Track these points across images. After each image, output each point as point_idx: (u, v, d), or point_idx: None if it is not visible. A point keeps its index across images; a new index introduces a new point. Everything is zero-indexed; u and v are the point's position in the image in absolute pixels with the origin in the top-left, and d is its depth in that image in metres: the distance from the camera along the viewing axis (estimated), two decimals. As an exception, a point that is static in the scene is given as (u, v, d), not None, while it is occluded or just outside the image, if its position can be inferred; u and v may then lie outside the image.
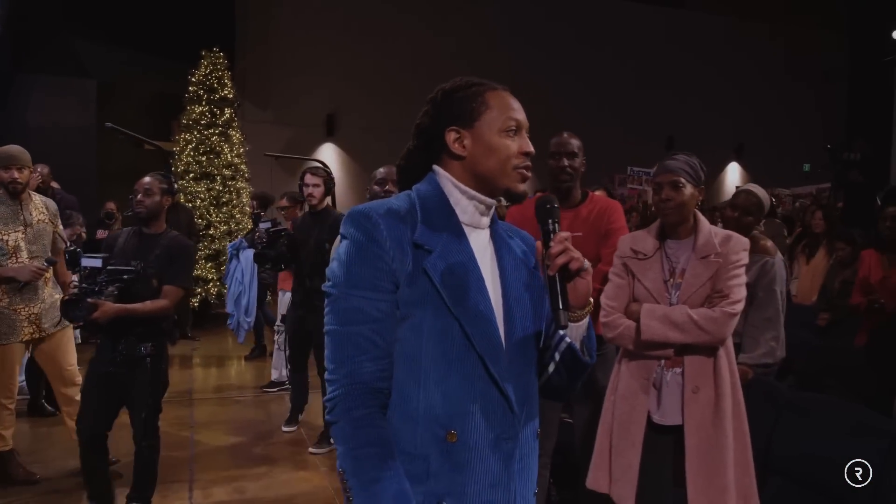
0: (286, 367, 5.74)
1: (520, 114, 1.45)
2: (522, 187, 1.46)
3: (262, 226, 4.85)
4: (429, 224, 1.38)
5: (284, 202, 5.49)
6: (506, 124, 1.42)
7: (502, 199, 1.48)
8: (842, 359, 4.01)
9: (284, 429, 4.86)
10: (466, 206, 1.44)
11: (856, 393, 2.99)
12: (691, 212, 2.46)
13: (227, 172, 8.87)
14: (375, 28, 12.49)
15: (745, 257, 2.42)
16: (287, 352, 5.53)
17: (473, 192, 1.44)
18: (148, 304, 3.11)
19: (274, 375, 5.92)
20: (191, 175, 8.71)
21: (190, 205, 8.46)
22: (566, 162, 2.99)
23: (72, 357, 3.92)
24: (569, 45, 13.57)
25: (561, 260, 1.34)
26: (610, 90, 13.73)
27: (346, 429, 1.29)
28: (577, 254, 1.35)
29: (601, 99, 13.65)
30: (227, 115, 9.00)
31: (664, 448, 2.40)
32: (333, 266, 1.36)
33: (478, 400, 1.35)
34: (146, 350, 3.16)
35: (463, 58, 12.82)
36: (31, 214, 3.70)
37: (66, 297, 3.04)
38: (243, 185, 9.05)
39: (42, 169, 5.85)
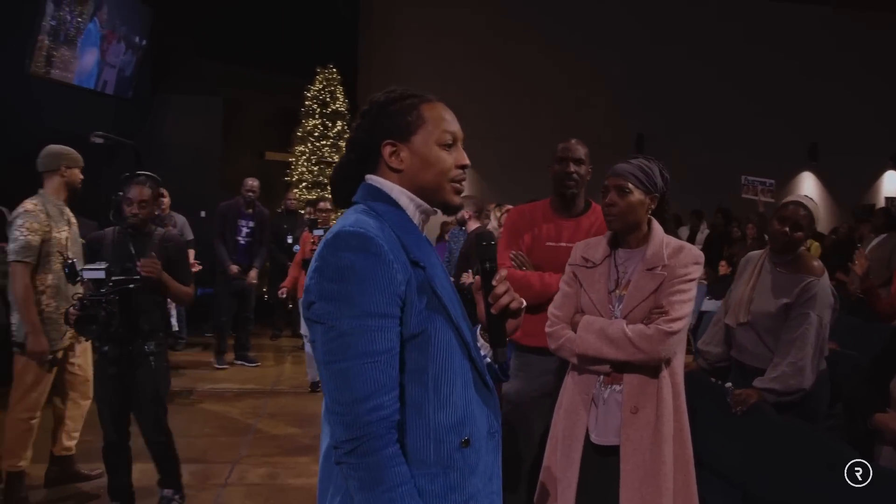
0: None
1: (454, 125, 1.46)
2: (458, 200, 1.47)
3: (317, 232, 5.19)
4: (408, 240, 1.37)
5: (325, 205, 5.76)
6: (442, 138, 1.43)
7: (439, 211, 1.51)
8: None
9: None
10: (414, 215, 1.44)
11: None
12: (641, 220, 2.33)
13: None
14: (495, 48, 12.55)
15: (694, 271, 2.26)
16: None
17: (423, 204, 1.45)
18: (182, 287, 3.34)
19: (310, 375, 6.08)
20: (303, 184, 9.35)
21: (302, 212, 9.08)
22: (573, 168, 2.92)
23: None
24: (698, 44, 12.94)
25: (505, 301, 1.41)
26: (743, 98, 12.93)
27: (376, 471, 1.23)
28: (516, 295, 1.43)
29: (734, 108, 12.87)
30: (339, 127, 9.57)
31: (607, 469, 2.25)
32: (329, 291, 1.27)
33: (474, 401, 1.40)
34: (150, 348, 3.29)
35: (589, 78, 12.64)
36: (70, 216, 3.77)
37: (78, 314, 3.08)
38: (352, 193, 9.56)
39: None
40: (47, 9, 6.89)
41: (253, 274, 6.74)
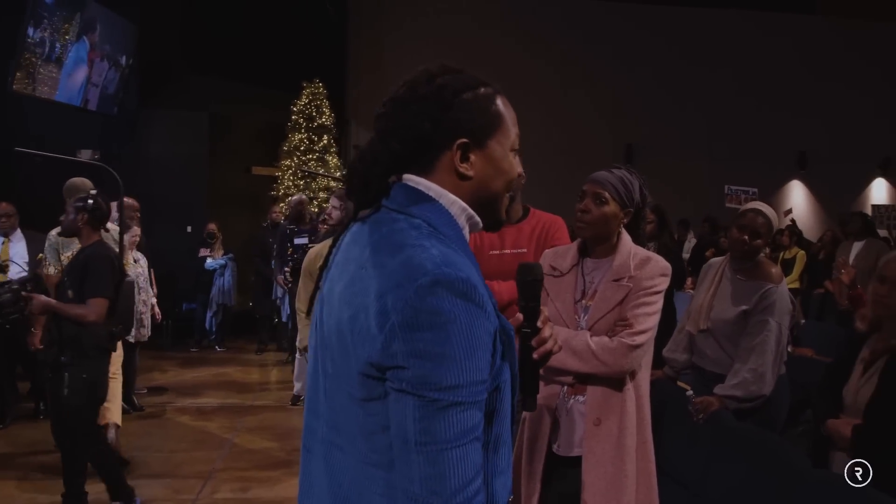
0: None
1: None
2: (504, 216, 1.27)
3: (298, 241, 5.21)
4: (477, 272, 1.10)
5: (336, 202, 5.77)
6: (515, 142, 1.19)
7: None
8: None
9: None
10: (466, 235, 1.19)
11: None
12: (612, 232, 2.29)
13: (322, 195, 9.44)
14: (482, 58, 12.58)
15: (661, 283, 2.23)
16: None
17: (479, 222, 1.19)
18: (72, 307, 3.29)
19: (296, 388, 6.03)
20: (289, 198, 9.34)
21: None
22: None
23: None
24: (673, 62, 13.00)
25: (550, 345, 1.28)
26: (731, 107, 12.98)
27: None
28: (556, 337, 1.32)
29: (722, 118, 12.91)
30: (325, 141, 9.60)
31: (570, 481, 2.22)
32: (427, 353, 0.98)
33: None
34: (65, 359, 3.31)
35: (578, 87, 12.66)
36: None
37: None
38: (339, 206, 9.58)
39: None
40: (31, 29, 6.93)
41: None
